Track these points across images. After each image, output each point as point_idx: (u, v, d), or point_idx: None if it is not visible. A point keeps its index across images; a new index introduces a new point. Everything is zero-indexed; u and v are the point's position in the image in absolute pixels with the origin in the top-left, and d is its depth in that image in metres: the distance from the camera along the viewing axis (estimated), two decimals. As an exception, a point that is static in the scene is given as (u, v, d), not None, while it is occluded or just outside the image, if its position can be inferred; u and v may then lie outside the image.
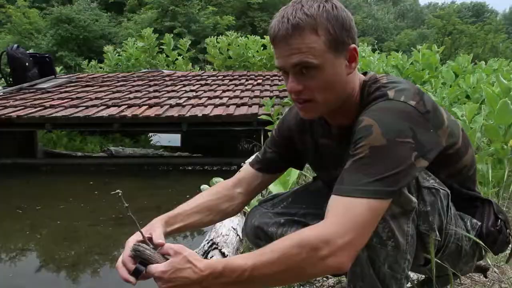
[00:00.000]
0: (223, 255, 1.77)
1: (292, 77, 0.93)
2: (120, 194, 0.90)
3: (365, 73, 1.04)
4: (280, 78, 6.66)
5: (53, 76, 6.78)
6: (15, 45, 6.38)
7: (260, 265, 0.81)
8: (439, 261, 0.98)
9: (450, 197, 0.97)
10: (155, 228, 1.00)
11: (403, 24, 27.30)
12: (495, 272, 1.48)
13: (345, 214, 0.82)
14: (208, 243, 1.90)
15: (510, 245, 1.08)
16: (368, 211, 0.82)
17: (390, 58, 5.14)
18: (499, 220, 1.03)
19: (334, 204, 0.85)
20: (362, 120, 0.88)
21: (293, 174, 2.11)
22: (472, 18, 26.08)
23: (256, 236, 1.22)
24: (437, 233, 0.94)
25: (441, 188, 0.95)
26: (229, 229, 1.98)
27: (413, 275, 1.29)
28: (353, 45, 0.93)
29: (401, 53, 5.32)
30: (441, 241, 0.97)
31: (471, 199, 1.07)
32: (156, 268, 0.84)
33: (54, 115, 4.57)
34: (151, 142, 7.54)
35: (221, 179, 2.57)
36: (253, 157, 1.26)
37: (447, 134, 0.94)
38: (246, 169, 1.20)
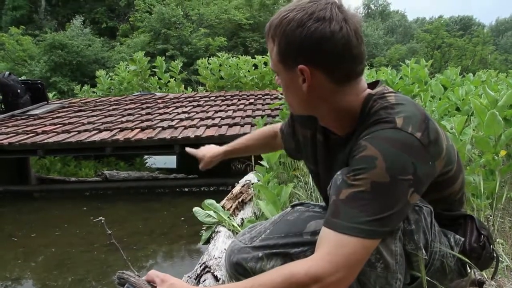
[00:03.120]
0: (216, 278, 1.74)
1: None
2: (102, 222, 0.89)
3: (376, 82, 1.00)
4: (272, 97, 6.70)
5: (46, 102, 6.78)
6: (7, 73, 6.39)
7: None
8: (428, 278, 0.96)
9: (433, 214, 0.95)
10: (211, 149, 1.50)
11: (393, 39, 27.69)
12: (492, 285, 1.46)
13: (338, 252, 0.80)
14: (200, 266, 1.87)
15: (494, 261, 1.06)
16: (362, 250, 0.80)
17: (380, 74, 5.19)
18: (482, 236, 1.01)
19: (326, 239, 0.82)
20: (365, 146, 0.84)
21: (284, 194, 2.10)
22: (460, 31, 26.51)
23: (235, 273, 1.20)
24: (424, 251, 0.93)
25: (424, 206, 0.93)
26: (221, 252, 1.96)
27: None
28: (301, 66, 0.88)
29: (390, 68, 5.38)
30: (427, 259, 0.95)
31: (454, 217, 1.06)
32: None
33: (46, 141, 4.55)
34: (147, 165, 7.51)
35: (213, 201, 2.56)
36: (281, 124, 1.39)
37: (443, 163, 0.92)
38: (278, 129, 1.40)
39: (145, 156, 7.56)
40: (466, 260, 1.00)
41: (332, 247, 0.80)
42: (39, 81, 6.93)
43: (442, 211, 1.01)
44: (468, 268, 1.04)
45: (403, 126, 0.84)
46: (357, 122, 0.93)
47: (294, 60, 0.89)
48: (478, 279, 1.25)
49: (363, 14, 36.82)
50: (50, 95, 7.44)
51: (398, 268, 0.90)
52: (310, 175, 1.38)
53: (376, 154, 0.82)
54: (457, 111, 3.38)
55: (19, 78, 6.86)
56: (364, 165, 0.82)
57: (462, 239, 1.02)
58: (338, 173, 0.89)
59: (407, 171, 0.82)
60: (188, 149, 1.60)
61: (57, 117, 5.88)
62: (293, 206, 1.26)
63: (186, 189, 5.30)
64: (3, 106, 6.21)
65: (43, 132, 4.87)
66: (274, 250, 1.15)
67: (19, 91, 6.15)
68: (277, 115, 4.73)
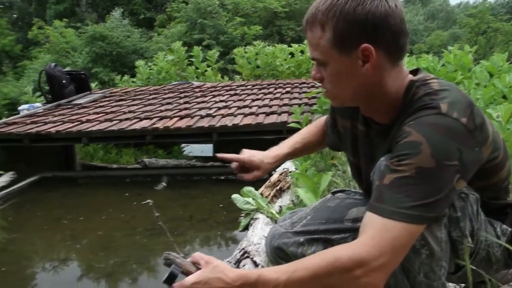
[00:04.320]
0: (255, 263, 1.78)
1: (314, 66, 0.96)
2: (150, 204, 0.93)
3: (416, 70, 0.98)
4: (308, 86, 6.64)
5: (89, 92, 7.02)
6: (53, 64, 6.65)
7: (293, 281, 0.80)
8: (474, 267, 0.94)
9: (479, 202, 0.93)
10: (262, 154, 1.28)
11: (434, 25, 26.65)
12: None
13: (383, 236, 0.79)
14: (240, 252, 1.92)
15: None
16: (407, 235, 0.80)
17: (421, 61, 5.03)
18: None
19: (371, 223, 0.82)
20: (409, 132, 0.83)
21: (323, 182, 2.10)
22: (507, 15, 25.14)
23: (277, 257, 1.21)
24: (470, 239, 0.91)
25: (470, 193, 0.91)
26: (260, 238, 1.99)
27: (448, 284, 1.25)
28: (365, 45, 0.86)
29: (431, 55, 5.20)
30: (472, 248, 0.93)
31: (500, 207, 1.03)
32: (188, 279, 0.84)
33: (90, 129, 4.74)
34: (184, 153, 7.66)
35: (252, 188, 2.60)
36: (325, 119, 1.35)
37: (490, 149, 0.90)
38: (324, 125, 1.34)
39: (183, 145, 7.71)
40: None
41: (377, 231, 0.80)
42: (82, 72, 7.18)
43: (489, 199, 0.99)
44: None
45: (448, 112, 0.83)
46: (399, 109, 0.92)
47: (356, 41, 0.87)
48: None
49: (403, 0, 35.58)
50: (92, 85, 7.69)
51: (443, 255, 0.89)
52: (348, 165, 1.37)
53: (421, 140, 0.81)
54: (503, 99, 3.24)
55: (64, 69, 7.12)
56: (408, 150, 0.82)
57: (510, 229, 0.99)
58: (382, 159, 0.89)
59: (452, 157, 0.81)
60: (224, 155, 1.31)
61: (100, 106, 6.08)
62: (333, 193, 1.27)
63: (222, 177, 5.38)
64: (50, 96, 6.47)
65: (87, 121, 5.06)
66: (315, 236, 1.16)
67: (64, 81, 6.39)
68: (314, 104, 4.70)
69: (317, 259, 0.83)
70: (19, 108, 6.34)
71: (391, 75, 0.91)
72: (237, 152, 1.33)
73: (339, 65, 0.90)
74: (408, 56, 6.26)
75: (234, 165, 1.30)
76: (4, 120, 5.57)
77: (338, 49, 0.88)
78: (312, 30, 0.91)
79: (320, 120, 1.38)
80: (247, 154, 1.29)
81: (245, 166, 1.29)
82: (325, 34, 0.89)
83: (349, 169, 2.60)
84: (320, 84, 0.99)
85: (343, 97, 0.97)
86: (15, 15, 23.26)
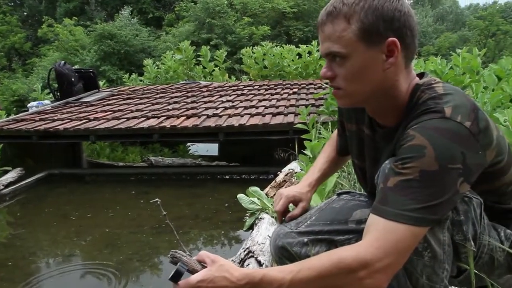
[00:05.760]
0: (259, 263, 1.79)
1: (326, 63, 0.94)
2: (158, 203, 0.94)
3: (422, 74, 0.99)
4: (316, 87, 6.65)
5: (97, 90, 7.07)
6: (62, 62, 6.71)
7: (297, 281, 0.81)
8: (476, 271, 0.95)
9: (482, 206, 0.93)
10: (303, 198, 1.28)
11: (443, 27, 26.48)
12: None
13: (387, 238, 0.80)
14: (244, 251, 1.93)
15: None
16: (410, 237, 0.81)
17: (429, 63, 5.01)
18: None
19: (375, 225, 0.83)
20: (413, 136, 0.84)
21: (329, 183, 2.10)
22: (518, 18, 24.92)
23: (281, 257, 1.22)
24: (472, 242, 0.91)
25: (473, 197, 0.92)
26: (265, 238, 2.00)
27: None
28: (392, 39, 0.87)
29: (439, 57, 5.17)
30: (475, 252, 0.94)
31: (504, 211, 1.03)
32: (194, 277, 0.85)
33: (97, 127, 4.77)
34: (190, 152, 7.69)
35: (257, 188, 2.61)
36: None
37: (494, 153, 0.90)
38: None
39: (188, 144, 7.74)
40: None
41: (381, 233, 0.81)
42: (91, 70, 7.23)
43: (493, 203, 0.99)
44: None
45: (452, 116, 0.84)
46: (404, 112, 0.93)
47: (383, 33, 0.87)
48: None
49: (412, 1, 35.42)
50: (100, 83, 7.74)
51: (445, 258, 0.89)
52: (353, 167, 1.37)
53: (425, 143, 0.82)
54: (511, 103, 3.22)
55: (73, 67, 7.18)
56: (412, 153, 0.82)
57: None
58: (386, 162, 0.89)
59: (456, 160, 0.81)
60: (278, 208, 1.30)
61: (108, 105, 6.13)
62: (338, 194, 1.28)
63: (227, 177, 5.40)
64: (58, 94, 6.53)
65: (95, 119, 5.10)
66: (319, 236, 1.17)
67: (73, 79, 6.44)
68: (321, 105, 4.70)
69: (322, 260, 0.83)
70: (28, 105, 6.40)
71: (404, 76, 0.93)
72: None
73: (363, 58, 0.89)
74: (416, 58, 6.24)
75: (280, 216, 1.31)
76: (13, 116, 5.62)
77: (365, 42, 0.88)
78: (334, 23, 0.89)
79: (335, 133, 1.40)
80: (285, 198, 1.28)
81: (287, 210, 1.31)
82: (351, 27, 0.88)
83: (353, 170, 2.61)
84: (328, 83, 0.98)
85: (358, 95, 0.95)
86: (25, 13, 23.48)
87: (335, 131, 1.39)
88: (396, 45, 0.88)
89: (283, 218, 1.27)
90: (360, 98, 0.96)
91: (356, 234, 1.12)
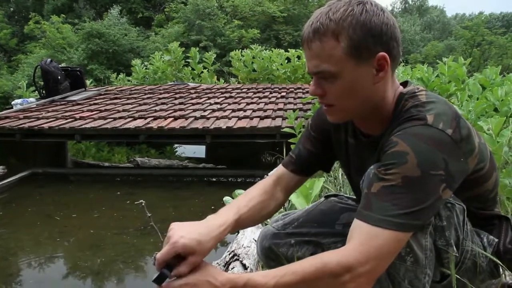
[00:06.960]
0: (244, 266, 1.78)
1: (314, 81, 0.93)
2: (143, 204, 0.94)
3: (405, 83, 1.01)
4: (304, 91, 6.68)
5: (84, 89, 7.00)
6: (48, 59, 6.62)
7: (282, 286, 0.82)
8: (458, 277, 0.96)
9: (465, 212, 0.95)
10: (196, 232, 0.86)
11: (430, 35, 26.89)
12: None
13: (370, 243, 0.81)
14: (229, 254, 1.92)
15: None
16: (393, 242, 0.82)
17: (415, 71, 5.08)
18: None
19: (359, 230, 0.84)
20: (396, 142, 0.85)
21: (315, 187, 2.11)
22: (502, 28, 25.42)
23: (267, 257, 1.23)
24: (455, 248, 0.93)
25: (456, 203, 0.93)
26: (250, 241, 2.00)
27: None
28: (381, 53, 0.88)
29: (426, 65, 5.26)
30: (458, 257, 0.95)
31: (488, 217, 1.05)
32: (177, 280, 0.84)
33: (83, 126, 4.72)
34: (176, 153, 7.66)
35: (244, 191, 2.60)
36: (287, 157, 1.20)
37: (476, 160, 0.92)
38: (281, 169, 1.17)
39: (175, 145, 7.71)
40: (498, 261, 0.99)
41: (364, 238, 0.82)
42: (78, 69, 7.15)
43: (476, 209, 1.01)
44: (500, 269, 1.03)
45: (433, 123, 0.85)
46: (389, 121, 0.95)
47: (372, 49, 0.88)
48: (509, 283, 1.23)
49: (400, 9, 35.89)
50: (87, 82, 7.66)
51: (427, 263, 0.91)
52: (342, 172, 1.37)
53: (407, 150, 0.83)
54: (495, 112, 3.29)
55: (60, 65, 7.09)
56: (395, 160, 0.84)
57: (496, 240, 1.02)
58: (371, 167, 0.91)
59: (438, 166, 0.83)
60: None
61: (94, 104, 6.07)
62: (327, 197, 1.29)
63: (214, 179, 5.39)
64: (44, 92, 6.44)
65: (81, 118, 5.04)
66: (306, 238, 1.19)
67: (59, 77, 6.36)
68: (309, 109, 4.72)
69: (306, 264, 0.84)
70: (13, 102, 6.30)
71: (390, 86, 0.95)
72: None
73: (353, 75, 0.89)
74: (403, 66, 6.32)
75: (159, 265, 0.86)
76: (-4, 114, 5.53)
77: (354, 58, 0.88)
78: (322, 40, 0.88)
79: (270, 176, 1.19)
80: (170, 247, 0.85)
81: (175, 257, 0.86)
82: (340, 44, 0.87)
83: (340, 175, 2.62)
84: (318, 100, 0.97)
85: (351, 110, 0.95)
86: (11, 9, 23.10)
87: (273, 174, 1.19)
88: (386, 59, 0.89)
89: (169, 272, 0.84)
90: (351, 113, 0.97)
91: (343, 237, 1.12)
